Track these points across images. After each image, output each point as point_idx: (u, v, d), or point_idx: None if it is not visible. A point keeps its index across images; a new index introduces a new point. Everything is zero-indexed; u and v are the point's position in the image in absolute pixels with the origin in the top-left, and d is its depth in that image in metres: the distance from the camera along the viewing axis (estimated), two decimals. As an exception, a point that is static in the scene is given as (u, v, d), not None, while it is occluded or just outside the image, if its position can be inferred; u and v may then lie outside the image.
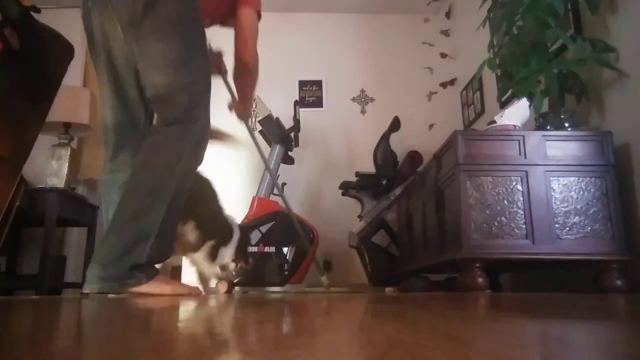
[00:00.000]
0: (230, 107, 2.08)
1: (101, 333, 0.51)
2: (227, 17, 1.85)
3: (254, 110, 4.11)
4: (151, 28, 1.47)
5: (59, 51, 1.85)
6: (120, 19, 1.49)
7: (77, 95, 3.19)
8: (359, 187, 3.32)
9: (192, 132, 1.52)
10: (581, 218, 1.85)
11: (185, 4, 1.52)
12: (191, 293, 1.54)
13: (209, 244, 1.84)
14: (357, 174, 3.31)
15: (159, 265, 1.54)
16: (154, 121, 1.67)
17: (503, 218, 1.86)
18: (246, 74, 1.86)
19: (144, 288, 1.40)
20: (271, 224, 3.02)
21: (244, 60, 1.80)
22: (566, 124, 2.00)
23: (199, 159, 1.57)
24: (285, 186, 3.46)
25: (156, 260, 1.49)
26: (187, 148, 1.50)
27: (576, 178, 1.89)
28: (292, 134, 3.36)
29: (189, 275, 3.66)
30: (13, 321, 0.65)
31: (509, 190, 1.89)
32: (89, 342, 0.43)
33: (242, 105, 2.03)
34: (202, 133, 1.55)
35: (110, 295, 1.44)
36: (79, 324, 0.64)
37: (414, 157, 3.37)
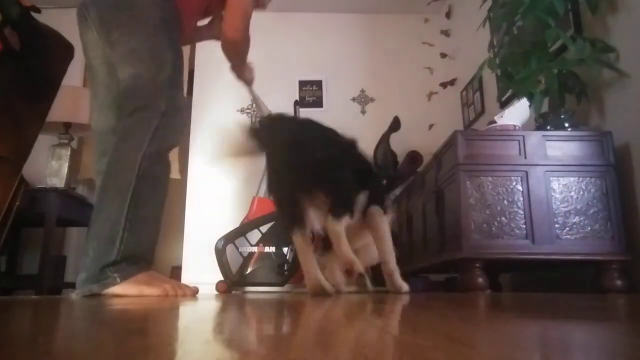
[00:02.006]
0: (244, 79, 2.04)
1: (91, 335, 0.51)
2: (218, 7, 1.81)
3: (254, 110, 4.11)
4: (119, 26, 1.57)
5: (59, 51, 1.85)
6: (95, 24, 1.59)
7: (77, 95, 3.19)
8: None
9: (150, 117, 1.52)
10: (581, 218, 1.85)
11: (153, 6, 1.60)
12: (169, 294, 1.43)
13: None
14: (357, 174, 3.30)
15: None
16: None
17: (503, 218, 1.86)
18: (232, 54, 1.86)
19: (118, 289, 1.36)
20: (271, 224, 3.02)
21: (228, 38, 1.75)
22: (566, 124, 2.00)
23: (166, 140, 1.56)
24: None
25: (133, 256, 1.42)
26: (148, 132, 1.51)
27: (576, 178, 1.89)
28: (292, 134, 3.36)
29: (189, 276, 3.68)
30: (11, 322, 0.65)
31: (509, 190, 1.89)
32: (78, 345, 0.43)
33: (239, 70, 2.00)
34: (163, 116, 1.54)
35: (81, 295, 1.40)
36: (55, 326, 0.64)
37: (414, 157, 3.37)
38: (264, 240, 2.97)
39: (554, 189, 1.89)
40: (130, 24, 1.57)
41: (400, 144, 3.54)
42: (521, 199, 1.88)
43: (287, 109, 3.51)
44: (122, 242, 1.40)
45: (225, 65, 2.02)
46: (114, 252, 1.39)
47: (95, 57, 1.67)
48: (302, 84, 4.20)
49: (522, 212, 1.86)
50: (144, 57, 1.57)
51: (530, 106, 2.07)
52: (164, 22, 1.62)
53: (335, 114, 4.14)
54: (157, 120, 1.53)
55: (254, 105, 4.09)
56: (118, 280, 1.37)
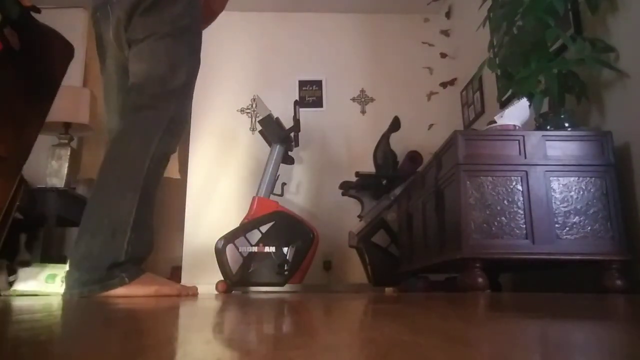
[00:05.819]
0: None
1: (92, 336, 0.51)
2: None
3: (254, 110, 4.11)
4: (144, 28, 1.54)
5: (59, 51, 1.85)
6: (117, 24, 1.56)
7: (77, 95, 3.19)
8: (359, 187, 3.32)
9: (159, 119, 1.50)
10: (581, 218, 1.85)
11: (184, 13, 1.58)
12: (181, 294, 1.45)
13: None
14: (357, 174, 3.31)
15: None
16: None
17: (503, 218, 1.86)
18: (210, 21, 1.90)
19: (124, 290, 1.32)
20: (271, 224, 3.02)
21: (214, 10, 1.83)
22: (566, 124, 2.00)
23: (170, 147, 1.55)
24: (285, 186, 3.46)
25: (137, 256, 1.41)
26: (157, 134, 1.48)
27: (576, 178, 1.89)
28: (292, 134, 3.36)
29: (189, 276, 3.68)
30: (11, 322, 0.65)
31: (509, 190, 1.89)
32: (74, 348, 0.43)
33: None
34: (170, 121, 1.52)
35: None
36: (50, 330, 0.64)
37: (414, 157, 3.37)
38: (264, 240, 2.97)
39: (554, 189, 1.88)
40: (156, 27, 1.54)
41: (400, 144, 3.55)
42: (521, 198, 1.88)
43: (287, 108, 3.52)
44: (129, 242, 1.36)
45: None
46: (122, 253, 1.34)
47: (110, 57, 1.64)
48: (302, 84, 4.20)
49: (522, 212, 1.86)
50: (161, 58, 1.54)
51: (530, 106, 2.07)
52: (189, 29, 1.61)
53: (335, 114, 4.15)
54: (166, 123, 1.50)
55: (254, 105, 4.10)
56: (127, 280, 1.32)
